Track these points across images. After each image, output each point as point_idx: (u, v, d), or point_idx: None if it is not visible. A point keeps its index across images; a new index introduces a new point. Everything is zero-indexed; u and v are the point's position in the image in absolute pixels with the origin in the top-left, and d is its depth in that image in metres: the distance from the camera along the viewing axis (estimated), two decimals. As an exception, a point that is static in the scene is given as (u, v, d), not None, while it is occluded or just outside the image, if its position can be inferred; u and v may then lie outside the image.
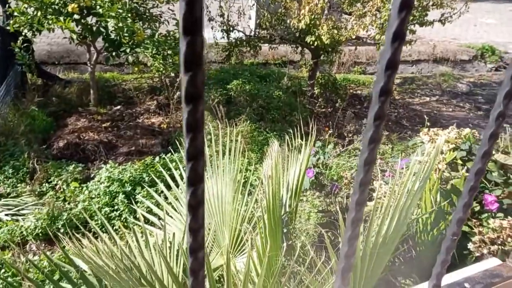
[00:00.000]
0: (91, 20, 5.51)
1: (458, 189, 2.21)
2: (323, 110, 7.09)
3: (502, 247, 1.98)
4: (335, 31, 5.84)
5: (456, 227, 0.52)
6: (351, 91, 8.27)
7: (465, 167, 2.31)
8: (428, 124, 2.91)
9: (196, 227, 0.38)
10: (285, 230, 2.09)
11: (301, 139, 2.83)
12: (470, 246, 2.07)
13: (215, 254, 2.18)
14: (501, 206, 2.22)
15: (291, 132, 2.95)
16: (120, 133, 6.05)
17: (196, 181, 0.36)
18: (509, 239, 1.96)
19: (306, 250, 2.20)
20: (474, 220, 2.16)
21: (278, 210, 1.71)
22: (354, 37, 6.11)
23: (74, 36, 5.58)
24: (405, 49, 8.89)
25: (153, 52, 5.20)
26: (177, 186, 2.59)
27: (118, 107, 6.70)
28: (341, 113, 6.60)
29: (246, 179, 4.14)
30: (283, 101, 6.98)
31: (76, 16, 5.27)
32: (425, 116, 4.69)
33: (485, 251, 2.00)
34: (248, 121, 6.35)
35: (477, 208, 2.26)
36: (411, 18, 6.02)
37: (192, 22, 0.29)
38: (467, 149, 2.38)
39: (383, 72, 0.38)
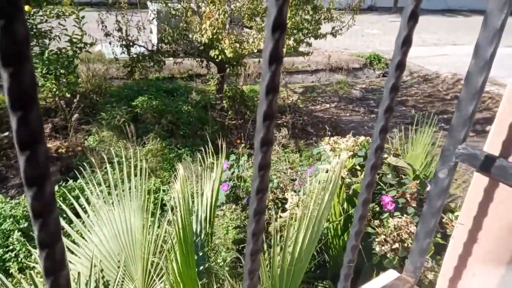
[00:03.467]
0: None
1: (358, 193, 2.36)
2: (234, 122, 7.16)
3: (402, 244, 2.16)
4: (238, 45, 5.96)
5: (351, 254, 0.52)
6: (258, 101, 8.50)
7: (363, 172, 2.49)
8: (329, 130, 3.10)
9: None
10: (201, 254, 2.01)
11: (214, 154, 2.79)
12: (375, 246, 2.22)
13: (128, 288, 2.02)
14: (397, 206, 2.43)
15: (203, 147, 2.89)
16: (10, 163, 5.38)
17: (53, 241, 0.29)
18: (406, 236, 2.16)
19: (225, 272, 2.15)
20: (376, 221, 2.33)
21: (190, 236, 1.64)
22: (256, 50, 6.30)
23: None
24: (304, 60, 9.45)
25: (43, 71, 4.74)
26: (81, 217, 2.35)
27: (6, 133, 5.95)
28: (251, 125, 6.72)
29: (158, 201, 3.96)
30: (193, 115, 6.88)
31: None
32: (326, 123, 5.00)
33: (388, 249, 2.16)
34: (158, 139, 6.12)
35: (377, 209, 2.45)
36: (306, 31, 6.42)
37: (10, 55, 0.23)
38: (363, 155, 2.58)
39: (264, 96, 0.35)
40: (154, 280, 1.93)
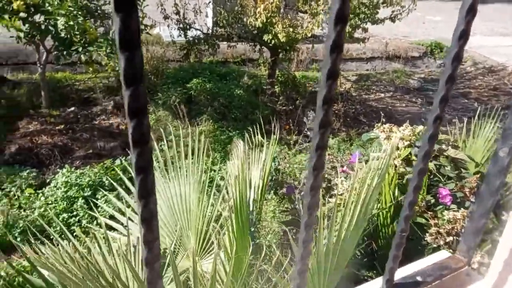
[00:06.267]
0: (39, 18, 5.23)
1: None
2: (284, 108, 7.18)
3: (457, 238, 2.10)
4: (291, 29, 5.92)
5: (403, 224, 0.55)
6: (310, 88, 8.43)
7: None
8: (384, 120, 3.03)
9: (151, 239, 0.38)
10: (252, 229, 2.10)
11: (263, 137, 2.85)
12: (427, 237, 2.18)
13: (181, 256, 2.16)
14: (455, 199, 2.35)
15: (253, 130, 2.97)
16: (75, 136, 5.82)
17: (147, 195, 0.36)
18: (463, 230, 2.09)
19: (273, 249, 2.23)
20: (430, 213, 2.28)
21: (245, 209, 1.72)
22: (310, 35, 6.22)
23: (21, 35, 5.29)
24: (359, 47, 9.17)
25: (107, 51, 5.04)
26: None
27: (72, 108, 6.43)
28: (301, 111, 6.71)
29: (211, 179, 4.12)
30: (244, 99, 6.99)
31: (22, 14, 4.99)
32: (381, 112, 4.87)
33: (441, 242, 2.11)
34: (210, 121, 6.32)
35: (432, 201, 2.38)
36: (363, 16, 6.22)
37: (130, 37, 0.29)
38: (420, 145, 2.49)
39: (324, 82, 0.39)
40: (207, 249, 2.06)
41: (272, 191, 3.91)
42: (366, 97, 8.36)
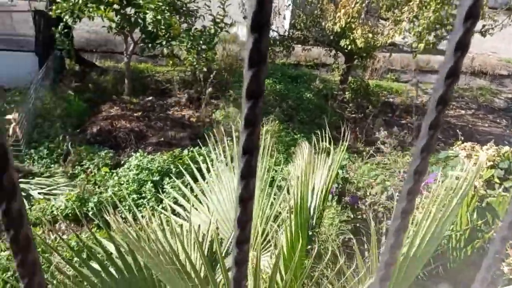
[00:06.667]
0: (130, 10, 5.65)
1: (493, 208, 2.13)
2: (353, 115, 7.00)
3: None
4: (370, 36, 5.75)
5: (500, 244, 0.51)
6: (383, 98, 8.12)
7: (502, 186, 2.23)
8: (462, 138, 2.82)
9: (245, 220, 0.39)
10: (310, 233, 2.08)
11: (329, 143, 2.80)
12: (505, 267, 1.99)
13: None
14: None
15: (319, 134, 2.93)
16: (150, 124, 6.18)
17: (249, 175, 0.37)
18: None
19: (331, 256, 2.18)
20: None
21: (305, 212, 1.71)
22: (389, 43, 6.00)
23: (113, 25, 5.74)
24: (442, 59, 8.63)
25: (188, 46, 5.28)
26: (204, 179, 2.63)
27: (150, 98, 6.85)
28: (371, 120, 6.49)
29: (272, 179, 4.15)
30: (313, 103, 6.94)
31: (116, 6, 5.42)
32: (459, 130, 4.55)
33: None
34: (277, 121, 6.35)
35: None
36: (450, 28, 5.84)
37: (261, 20, 0.30)
38: (505, 167, 2.29)
39: (443, 81, 0.37)
40: (264, 247, 2.07)
41: (335, 199, 3.83)
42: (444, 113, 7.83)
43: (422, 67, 9.82)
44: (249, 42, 0.31)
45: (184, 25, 5.91)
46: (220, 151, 2.65)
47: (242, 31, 8.02)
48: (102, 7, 5.33)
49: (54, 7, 5.62)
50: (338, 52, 6.89)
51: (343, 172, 4.11)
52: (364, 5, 5.81)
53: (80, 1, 5.39)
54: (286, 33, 7.29)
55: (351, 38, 5.85)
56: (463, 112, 8.02)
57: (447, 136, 6.56)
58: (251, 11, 0.29)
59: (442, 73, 0.37)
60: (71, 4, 5.47)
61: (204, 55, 5.54)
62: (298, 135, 6.15)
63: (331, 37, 6.47)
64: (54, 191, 4.43)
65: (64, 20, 5.67)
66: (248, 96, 0.33)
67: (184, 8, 6.00)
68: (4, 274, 3.32)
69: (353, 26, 5.76)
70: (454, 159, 2.45)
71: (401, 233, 0.45)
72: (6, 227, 0.31)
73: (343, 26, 5.74)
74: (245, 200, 0.38)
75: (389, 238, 0.47)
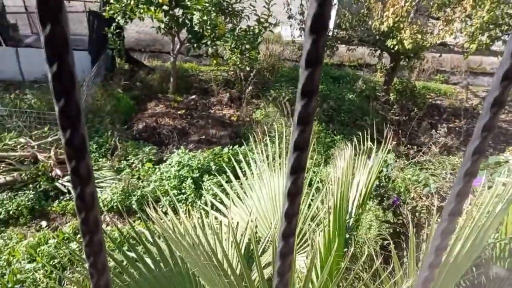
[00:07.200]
0: (178, 11, 5.82)
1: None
2: (397, 117, 6.79)
3: None
4: (419, 36, 5.54)
5: None
6: (430, 100, 7.81)
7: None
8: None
9: (291, 213, 0.41)
10: (347, 236, 2.05)
11: (370, 145, 2.75)
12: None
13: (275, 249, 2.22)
14: None
15: (362, 137, 2.88)
16: (192, 121, 6.35)
17: (298, 170, 0.38)
18: None
19: (367, 259, 2.14)
20: None
21: (343, 213, 1.69)
22: (439, 43, 5.75)
23: (162, 26, 5.94)
24: (495, 61, 8.17)
25: (232, 45, 5.36)
26: (245, 176, 2.67)
27: (194, 96, 7.02)
28: (416, 123, 6.26)
29: (311, 180, 4.13)
30: (355, 104, 6.80)
31: (165, 7, 5.61)
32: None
33: None
34: (316, 122, 6.30)
35: None
36: (506, 28, 5.52)
37: (320, 22, 0.31)
38: None
39: (499, 83, 0.37)
40: (301, 246, 2.08)
41: (375, 201, 3.75)
42: (496, 117, 7.41)
43: (474, 68, 9.34)
44: (307, 43, 0.33)
45: (229, 25, 6.00)
46: (260, 150, 2.68)
47: (285, 31, 8.02)
48: (152, 8, 5.53)
49: (107, 8, 5.91)
50: (384, 52, 6.71)
51: (387, 171, 4.00)
52: (413, 4, 5.62)
53: (132, 2, 5.63)
54: (331, 33, 7.20)
55: (399, 38, 5.67)
56: (517, 117, 7.55)
57: (497, 142, 6.20)
58: (311, 12, 0.31)
59: (499, 75, 0.37)
60: (123, 5, 5.73)
61: (247, 55, 5.60)
62: (338, 137, 6.06)
63: (377, 37, 6.32)
64: (101, 184, 4.66)
65: (117, 20, 5.95)
66: (302, 94, 0.35)
67: (229, 8, 6.10)
68: (52, 261, 3.54)
69: (401, 26, 5.59)
70: (503, 165, 2.32)
71: (447, 235, 0.45)
72: (79, 209, 0.35)
73: (391, 25, 5.58)
74: (293, 194, 0.39)
75: (435, 239, 0.47)
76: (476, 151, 0.39)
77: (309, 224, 2.15)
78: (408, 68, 6.66)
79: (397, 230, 2.96)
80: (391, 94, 6.89)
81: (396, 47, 5.71)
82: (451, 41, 6.39)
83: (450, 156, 5.42)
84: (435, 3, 5.99)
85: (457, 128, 6.35)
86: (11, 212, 4.12)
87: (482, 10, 5.33)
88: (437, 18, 5.98)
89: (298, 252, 2.11)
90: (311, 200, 2.44)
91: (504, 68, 0.36)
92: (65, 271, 3.46)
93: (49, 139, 5.08)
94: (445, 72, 9.31)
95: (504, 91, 0.37)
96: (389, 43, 5.76)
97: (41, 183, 4.50)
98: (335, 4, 6.90)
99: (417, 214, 3.76)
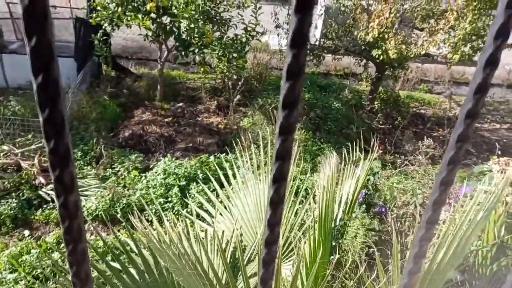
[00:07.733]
0: (165, 19, 5.83)
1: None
2: (382, 126, 6.89)
3: None
4: (404, 46, 5.67)
5: None
6: (414, 109, 7.95)
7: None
8: (499, 152, 2.73)
9: (273, 222, 0.41)
10: (333, 243, 2.07)
11: (363, 151, 2.78)
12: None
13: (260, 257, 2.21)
14: None
15: (349, 145, 2.91)
16: (180, 129, 6.32)
17: (280, 179, 0.39)
18: None
19: (353, 267, 2.16)
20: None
21: (329, 221, 1.70)
22: (423, 53, 5.89)
23: (149, 33, 5.93)
24: (478, 71, 8.37)
25: (220, 54, 5.39)
26: (230, 186, 2.66)
27: (181, 104, 7.00)
28: (400, 132, 6.36)
29: (297, 188, 4.14)
30: (341, 113, 6.88)
31: (152, 15, 5.61)
32: (495, 144, 4.39)
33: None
34: (303, 130, 6.34)
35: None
36: (486, 39, 5.68)
37: (301, 37, 0.32)
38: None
39: (472, 95, 0.39)
40: (286, 255, 2.08)
41: (361, 209, 3.78)
42: (478, 126, 7.60)
43: (457, 78, 9.56)
44: (288, 56, 0.34)
45: (217, 34, 6.03)
46: (246, 158, 2.69)
47: (273, 39, 8.09)
48: (140, 16, 5.53)
49: (94, 15, 5.87)
50: (369, 62, 6.83)
51: (374, 179, 4.05)
52: (398, 15, 5.75)
53: (119, 10, 5.62)
54: (317, 43, 7.30)
55: (384, 48, 5.79)
56: (498, 126, 7.73)
57: (480, 151, 6.34)
58: (292, 27, 0.32)
59: (472, 88, 0.38)
60: (110, 12, 5.71)
61: (235, 63, 5.63)
62: (325, 145, 6.11)
63: (363, 47, 6.43)
64: (85, 192, 4.59)
65: (103, 27, 5.91)
66: (284, 106, 0.36)
67: (217, 17, 6.14)
68: (34, 272, 3.46)
69: (386, 36, 5.70)
70: (488, 174, 2.37)
71: (426, 242, 0.46)
72: (62, 218, 0.35)
73: (376, 36, 5.69)
74: (276, 203, 0.40)
75: (413, 247, 0.48)
76: (451, 160, 0.41)
77: (295, 233, 2.15)
78: (392, 78, 6.79)
79: (382, 238, 2.99)
80: (376, 103, 7.00)
81: (381, 57, 5.82)
82: (434, 52, 6.54)
83: (434, 165, 5.51)
84: (419, 15, 6.14)
85: (440, 137, 6.47)
86: (-8, 221, 4.02)
87: (464, 21, 5.48)
88: (421, 29, 6.12)
89: (284, 261, 2.12)
90: (298, 208, 2.45)
91: (477, 82, 0.38)
92: (48, 282, 3.38)
93: (33, 146, 4.99)
94: (429, 82, 9.50)
95: (477, 103, 0.38)
96: (375, 53, 5.87)
97: (24, 191, 4.41)
98: (321, 14, 7.01)
99: (402, 221, 3.80)
